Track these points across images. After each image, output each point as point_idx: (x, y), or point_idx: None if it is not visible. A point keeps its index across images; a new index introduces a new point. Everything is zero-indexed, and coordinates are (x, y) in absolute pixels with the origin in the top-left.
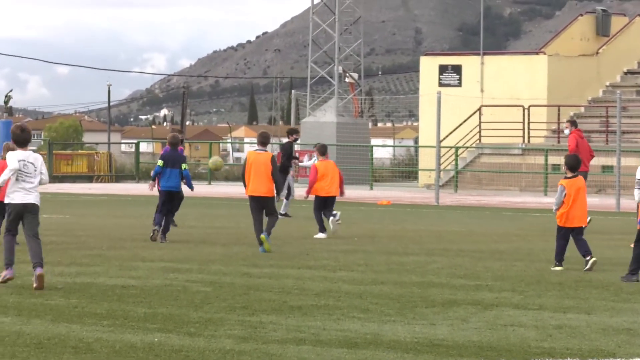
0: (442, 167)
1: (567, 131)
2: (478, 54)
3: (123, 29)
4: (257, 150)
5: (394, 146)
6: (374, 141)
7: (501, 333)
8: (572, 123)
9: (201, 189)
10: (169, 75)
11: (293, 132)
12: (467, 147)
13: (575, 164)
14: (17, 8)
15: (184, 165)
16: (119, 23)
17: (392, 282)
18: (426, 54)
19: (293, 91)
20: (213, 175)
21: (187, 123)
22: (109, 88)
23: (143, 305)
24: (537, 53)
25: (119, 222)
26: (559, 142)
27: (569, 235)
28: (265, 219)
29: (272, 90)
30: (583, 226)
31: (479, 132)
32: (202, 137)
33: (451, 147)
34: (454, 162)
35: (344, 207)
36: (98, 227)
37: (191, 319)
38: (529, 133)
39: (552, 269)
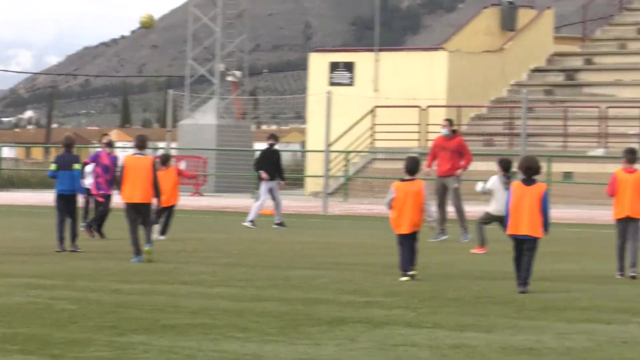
0: (331, 173)
1: (445, 131)
2: (373, 50)
3: None
4: (135, 154)
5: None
6: (257, 145)
7: (392, 354)
8: (451, 122)
9: None
10: (34, 73)
11: (270, 137)
12: (359, 152)
13: (414, 167)
14: None
15: (75, 166)
16: None
17: (274, 299)
18: (316, 50)
19: (170, 91)
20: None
21: (54, 125)
22: None
23: (2, 325)
24: (437, 49)
25: None
26: None
27: (406, 241)
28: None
29: (148, 90)
30: (415, 232)
31: (372, 135)
32: None
33: (341, 152)
34: (344, 168)
35: (224, 217)
36: None
37: (55, 340)
38: (426, 136)
39: (400, 279)
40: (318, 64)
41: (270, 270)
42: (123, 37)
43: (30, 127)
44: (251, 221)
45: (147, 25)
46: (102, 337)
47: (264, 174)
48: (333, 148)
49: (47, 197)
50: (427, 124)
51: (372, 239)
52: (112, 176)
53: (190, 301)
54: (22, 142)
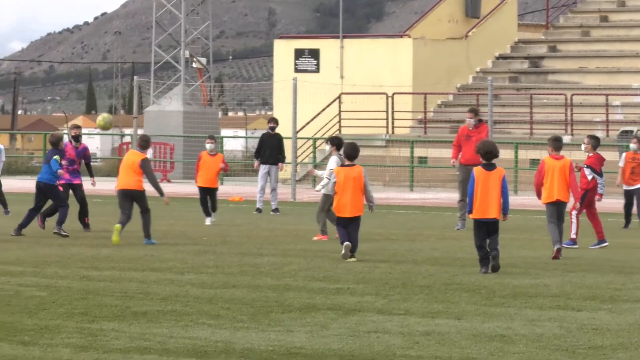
0: (298, 160)
1: (472, 121)
2: (337, 37)
3: None
4: (135, 150)
5: (246, 137)
6: (224, 132)
7: (364, 340)
8: (476, 112)
9: (33, 183)
10: None
11: (271, 121)
12: (326, 139)
13: (353, 153)
14: None
15: (55, 157)
16: None
17: (244, 286)
18: (280, 37)
19: (135, 77)
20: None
21: (19, 112)
22: None
23: None
24: (401, 36)
25: None
26: (425, 132)
27: (345, 224)
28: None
29: (113, 76)
30: (356, 216)
31: (339, 122)
32: (35, 128)
33: (309, 139)
34: (311, 155)
35: (192, 204)
36: None
37: (25, 327)
38: (393, 123)
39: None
40: (283, 50)
41: (239, 257)
42: (87, 24)
43: None
44: (258, 209)
45: (105, 127)
46: (73, 323)
47: (255, 164)
48: (300, 135)
49: (13, 184)
50: (394, 111)
51: None
52: (75, 169)
53: (160, 288)
54: None
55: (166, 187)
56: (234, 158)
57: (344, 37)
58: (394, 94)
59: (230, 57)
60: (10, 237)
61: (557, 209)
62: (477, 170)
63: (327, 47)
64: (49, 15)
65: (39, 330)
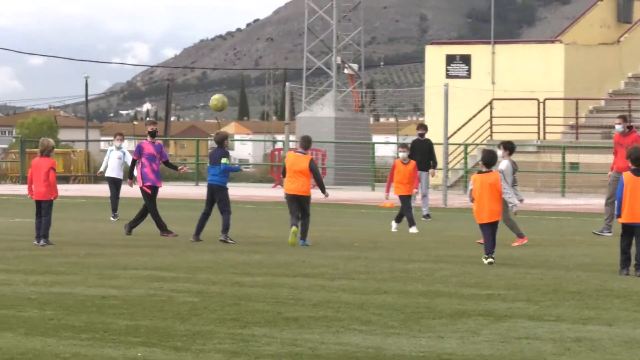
0: (450, 165)
1: (619, 127)
2: (489, 43)
3: (100, 16)
4: (297, 152)
5: (397, 143)
6: (375, 138)
7: (515, 346)
8: (625, 119)
9: (187, 190)
10: (151, 66)
11: (420, 127)
12: (477, 144)
13: (491, 160)
14: None
15: (223, 160)
16: (96, 10)
17: (395, 292)
18: (432, 43)
19: (287, 84)
20: (201, 176)
21: (172, 118)
22: (86, 81)
23: (125, 317)
24: (552, 42)
25: (98, 226)
26: (577, 138)
27: (487, 230)
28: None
29: (265, 82)
30: (495, 221)
31: (490, 127)
32: (188, 134)
33: (460, 144)
34: (463, 161)
35: (344, 210)
36: (75, 232)
37: (177, 332)
38: (544, 129)
39: (485, 262)
40: (434, 56)
41: (390, 262)
42: (239, 30)
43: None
44: (426, 215)
45: (218, 108)
46: (225, 329)
47: None
48: (452, 141)
49: (167, 190)
50: (545, 117)
51: None
52: (158, 168)
53: (311, 294)
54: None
55: (317, 193)
56: (385, 164)
57: (496, 42)
58: (545, 99)
59: (382, 63)
60: (163, 243)
61: None
62: (627, 176)
63: (479, 52)
64: (202, 22)
65: (191, 336)
